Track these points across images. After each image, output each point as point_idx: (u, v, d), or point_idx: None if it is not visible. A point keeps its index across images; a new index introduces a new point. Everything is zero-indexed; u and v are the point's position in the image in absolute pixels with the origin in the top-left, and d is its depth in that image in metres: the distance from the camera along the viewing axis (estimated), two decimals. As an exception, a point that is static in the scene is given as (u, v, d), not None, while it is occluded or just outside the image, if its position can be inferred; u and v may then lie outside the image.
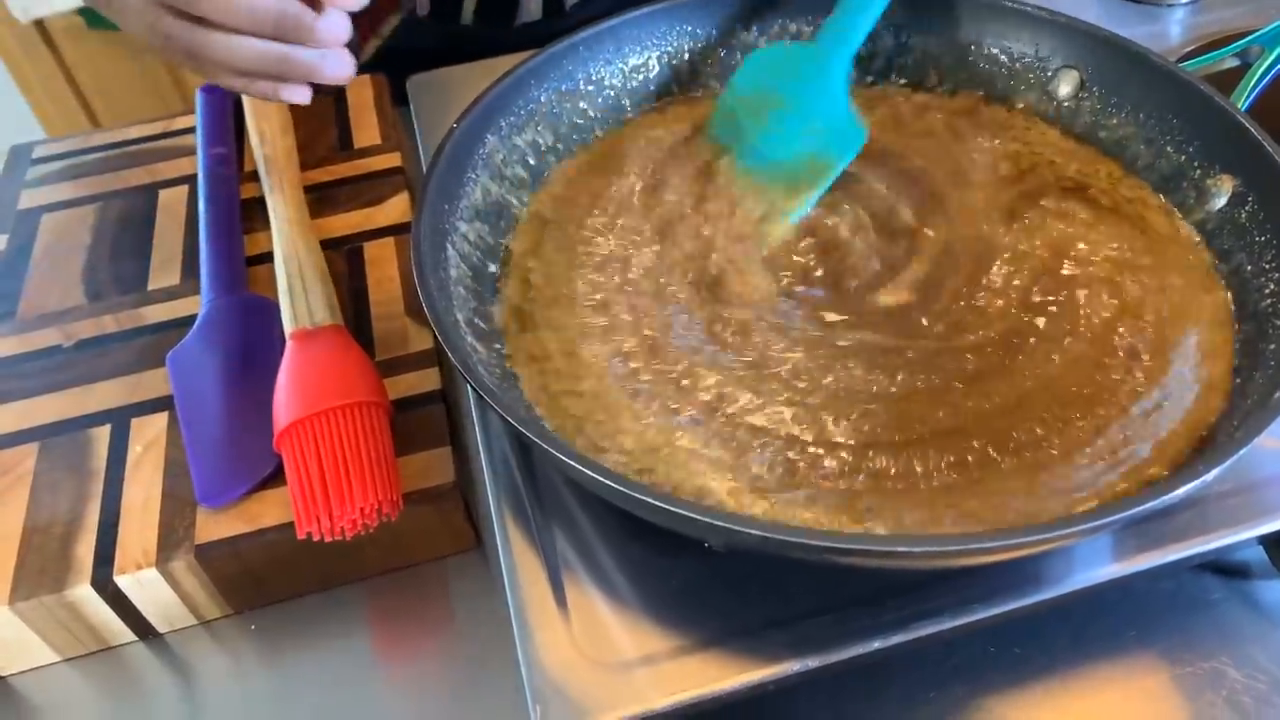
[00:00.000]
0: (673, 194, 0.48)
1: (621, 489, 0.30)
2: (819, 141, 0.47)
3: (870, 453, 0.37)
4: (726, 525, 0.28)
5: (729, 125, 0.49)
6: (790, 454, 0.37)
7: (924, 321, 0.42)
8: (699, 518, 0.29)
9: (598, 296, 0.43)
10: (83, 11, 1.41)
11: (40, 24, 1.43)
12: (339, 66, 0.37)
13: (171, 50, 0.35)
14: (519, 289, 0.44)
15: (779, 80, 0.49)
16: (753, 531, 0.28)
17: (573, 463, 0.31)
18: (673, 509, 0.29)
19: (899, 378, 0.39)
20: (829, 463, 0.36)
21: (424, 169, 0.56)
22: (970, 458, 0.36)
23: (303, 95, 0.38)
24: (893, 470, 0.36)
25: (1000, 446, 0.37)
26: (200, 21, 0.33)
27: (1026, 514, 0.34)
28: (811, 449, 0.37)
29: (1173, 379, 0.38)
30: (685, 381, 0.39)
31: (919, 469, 0.36)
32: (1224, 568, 0.42)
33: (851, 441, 0.37)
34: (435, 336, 0.37)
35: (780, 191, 0.47)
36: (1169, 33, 0.61)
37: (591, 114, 0.51)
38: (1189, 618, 0.40)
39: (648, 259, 0.45)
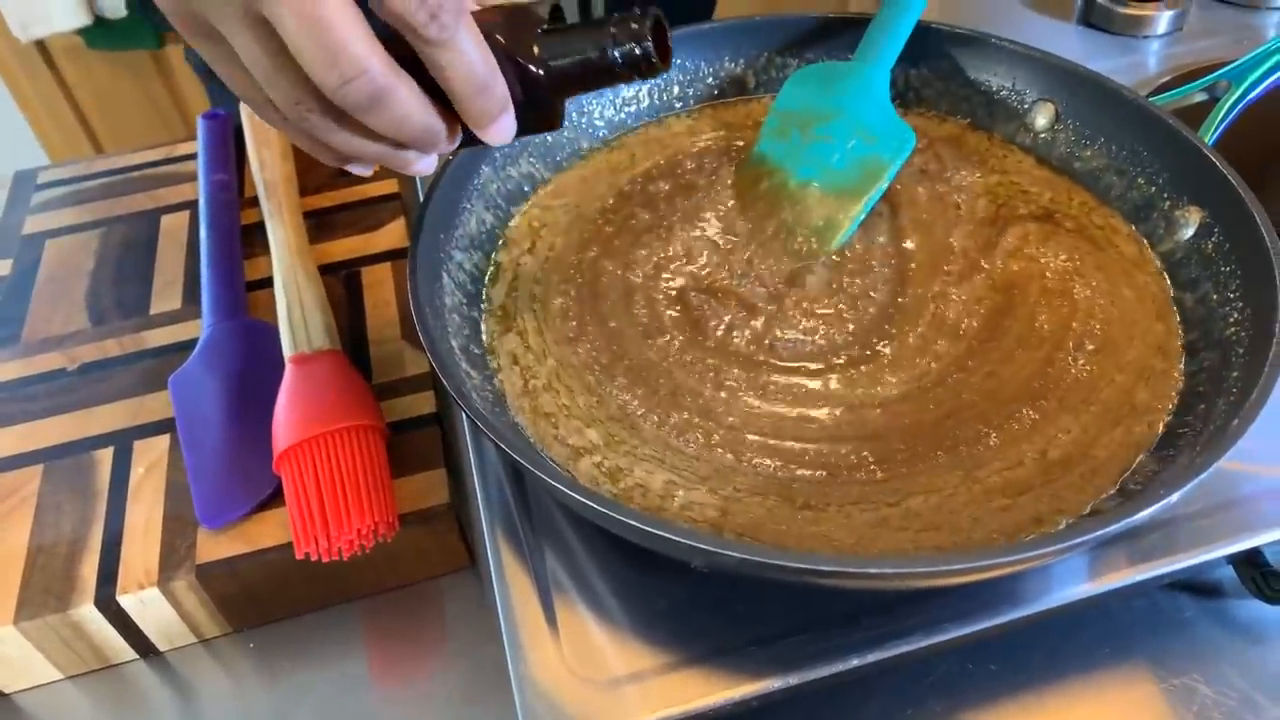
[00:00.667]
0: (679, 198, 0.50)
1: (609, 513, 0.31)
2: (870, 147, 0.49)
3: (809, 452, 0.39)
4: (706, 548, 0.30)
5: (776, 140, 0.51)
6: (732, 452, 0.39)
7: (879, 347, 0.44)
8: (679, 540, 0.30)
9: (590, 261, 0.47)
10: (83, 31, 1.42)
11: (40, 44, 1.45)
12: (426, 167, 0.36)
13: (288, 130, 0.34)
14: (504, 288, 0.46)
15: (823, 94, 0.51)
16: (730, 554, 0.29)
17: (562, 487, 0.32)
18: (652, 530, 0.30)
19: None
20: (770, 461, 0.39)
21: (419, 195, 0.57)
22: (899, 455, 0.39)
23: (366, 171, 0.38)
24: (826, 469, 0.39)
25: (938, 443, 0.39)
26: (342, 120, 0.32)
27: (969, 515, 0.37)
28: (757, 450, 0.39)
29: (1108, 388, 0.41)
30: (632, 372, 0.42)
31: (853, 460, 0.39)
32: (1196, 586, 0.43)
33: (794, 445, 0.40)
34: (431, 365, 0.38)
35: (837, 198, 0.48)
36: (1147, 63, 0.63)
37: (583, 145, 0.53)
38: (1162, 635, 0.42)
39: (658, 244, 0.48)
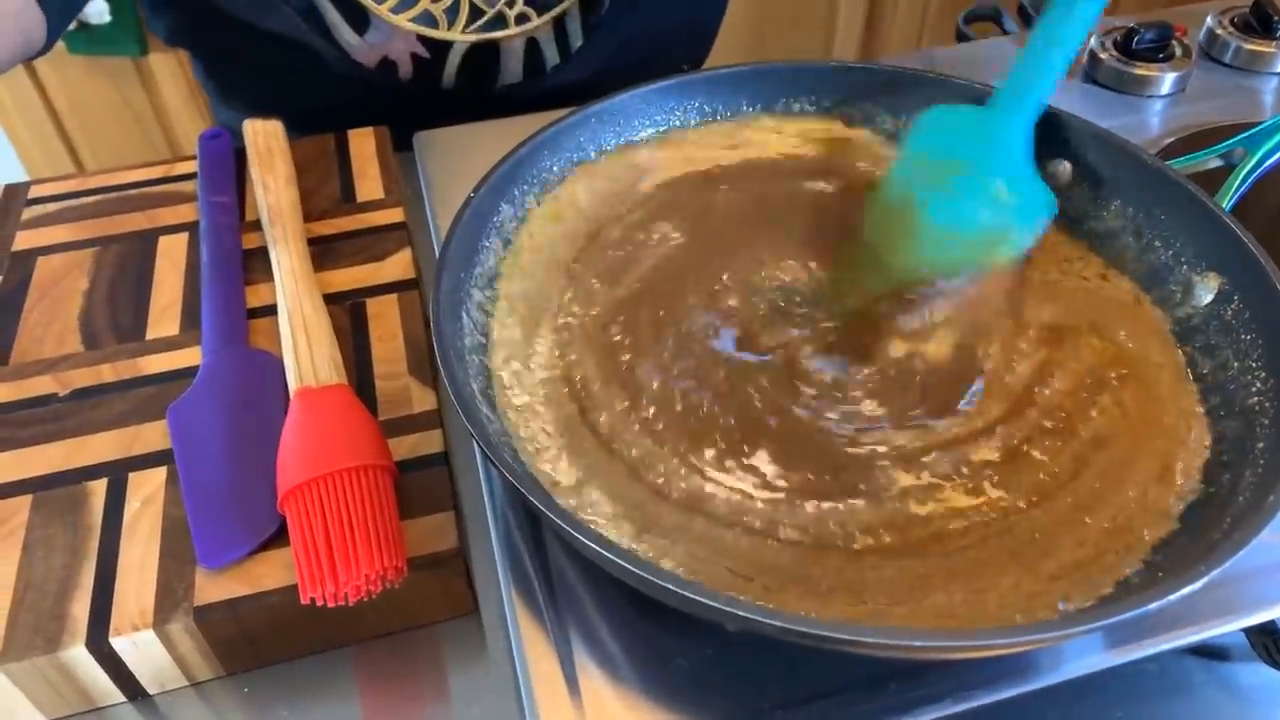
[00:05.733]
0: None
1: (649, 576, 0.30)
2: (1003, 212, 0.45)
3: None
4: (746, 615, 0.29)
5: (908, 186, 0.46)
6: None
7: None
8: (714, 604, 0.29)
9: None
10: (65, 35, 1.40)
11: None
12: None
13: None
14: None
15: (958, 143, 0.47)
16: (773, 623, 0.29)
17: (595, 546, 0.31)
18: (689, 595, 0.30)
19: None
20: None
21: (430, 225, 0.56)
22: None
23: None
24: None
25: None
26: None
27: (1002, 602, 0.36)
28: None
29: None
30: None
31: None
32: (1205, 650, 0.43)
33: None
34: (456, 407, 0.37)
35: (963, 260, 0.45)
36: (1149, 124, 0.64)
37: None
38: (1172, 700, 0.42)
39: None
